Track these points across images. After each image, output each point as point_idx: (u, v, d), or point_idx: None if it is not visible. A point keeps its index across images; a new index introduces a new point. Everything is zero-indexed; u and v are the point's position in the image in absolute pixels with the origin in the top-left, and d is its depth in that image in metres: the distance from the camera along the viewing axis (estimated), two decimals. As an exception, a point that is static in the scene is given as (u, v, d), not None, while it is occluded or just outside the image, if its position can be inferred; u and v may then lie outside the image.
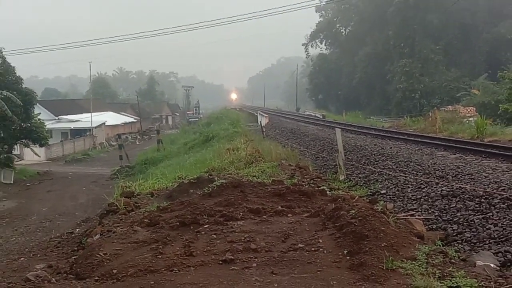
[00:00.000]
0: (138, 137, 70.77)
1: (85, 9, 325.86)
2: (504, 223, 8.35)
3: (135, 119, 79.50)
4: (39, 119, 39.79)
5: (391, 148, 18.08)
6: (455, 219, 9.23)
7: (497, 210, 8.89)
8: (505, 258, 7.37)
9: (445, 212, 9.71)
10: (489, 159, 14.02)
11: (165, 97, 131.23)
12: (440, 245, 7.27)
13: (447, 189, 10.69)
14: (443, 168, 12.89)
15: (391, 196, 11.74)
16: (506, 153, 14.61)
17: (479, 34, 69.64)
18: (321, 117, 51.27)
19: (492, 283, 5.58)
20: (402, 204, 10.91)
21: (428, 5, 69.51)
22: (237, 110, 66.48)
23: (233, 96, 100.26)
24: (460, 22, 69.61)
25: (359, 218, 7.11)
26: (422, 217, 9.56)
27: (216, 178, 12.71)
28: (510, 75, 44.86)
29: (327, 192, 10.94)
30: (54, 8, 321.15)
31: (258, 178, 13.28)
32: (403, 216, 9.15)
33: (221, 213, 8.85)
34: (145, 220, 9.17)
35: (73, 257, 8.88)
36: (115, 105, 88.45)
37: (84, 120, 61.60)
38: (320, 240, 6.97)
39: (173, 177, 16.59)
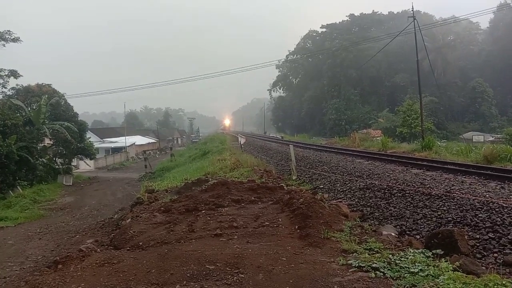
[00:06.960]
0: (158, 152, 69.77)
1: (121, 66, 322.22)
2: (400, 206, 8.46)
3: (155, 140, 78.52)
4: (89, 141, 39.36)
5: (326, 157, 18.17)
6: (368, 204, 9.30)
7: (396, 198, 8.99)
8: (401, 229, 7.45)
9: (362, 199, 9.78)
10: (390, 164, 14.19)
11: (176, 125, 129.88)
12: (358, 221, 7.34)
13: (363, 184, 10.78)
14: (360, 170, 12.99)
15: (326, 189, 11.75)
16: (400, 160, 14.86)
17: (382, 82, 71.64)
18: (280, 137, 51.26)
19: (392, 245, 5.66)
20: (333, 194, 10.93)
21: (349, 64, 71.31)
22: (224, 134, 66.01)
23: (227, 122, 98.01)
24: (370, 75, 71.41)
25: (306, 204, 7.13)
26: (346, 202, 9.63)
27: (210, 179, 12.64)
28: (402, 109, 46.13)
29: (284, 187, 10.97)
30: (98, 67, 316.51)
31: (238, 178, 13.24)
32: (334, 202, 9.21)
33: (213, 202, 8.79)
34: (161, 208, 9.04)
35: (112, 234, 8.69)
36: (141, 131, 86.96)
37: (120, 141, 60.74)
38: (280, 219, 6.97)
39: (181, 179, 16.41)
